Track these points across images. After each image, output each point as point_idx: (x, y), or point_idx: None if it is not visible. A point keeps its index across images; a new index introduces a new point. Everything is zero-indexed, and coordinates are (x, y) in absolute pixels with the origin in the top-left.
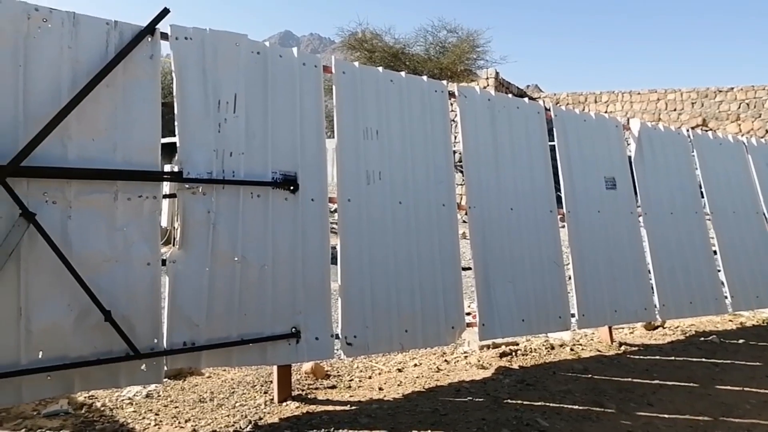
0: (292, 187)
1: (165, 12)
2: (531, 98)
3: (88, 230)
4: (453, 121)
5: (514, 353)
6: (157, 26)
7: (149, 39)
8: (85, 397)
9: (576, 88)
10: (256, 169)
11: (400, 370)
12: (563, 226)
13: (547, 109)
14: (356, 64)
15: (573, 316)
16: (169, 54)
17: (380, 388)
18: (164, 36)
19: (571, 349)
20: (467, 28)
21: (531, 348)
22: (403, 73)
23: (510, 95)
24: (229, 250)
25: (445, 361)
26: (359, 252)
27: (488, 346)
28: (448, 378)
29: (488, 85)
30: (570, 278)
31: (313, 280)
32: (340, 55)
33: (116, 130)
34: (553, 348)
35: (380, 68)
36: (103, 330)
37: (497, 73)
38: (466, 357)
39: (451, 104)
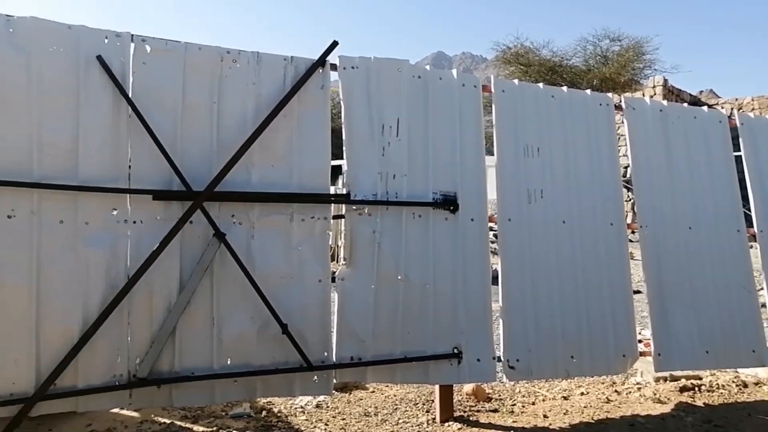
0: (452, 207)
1: (334, 45)
2: (707, 105)
3: (268, 249)
4: (620, 134)
5: (696, 388)
6: (327, 58)
7: (320, 70)
8: (264, 403)
9: (762, 91)
10: (417, 190)
11: (565, 398)
12: (753, 247)
13: (730, 117)
14: (515, 81)
15: None
16: (337, 81)
17: (545, 416)
18: (333, 66)
19: None
20: (633, 36)
21: (717, 384)
22: (564, 88)
23: (684, 104)
24: (393, 268)
25: (615, 391)
26: (521, 272)
27: (665, 379)
28: (619, 410)
29: (655, 94)
30: (765, 306)
31: (474, 300)
32: (494, 71)
33: (292, 156)
34: (745, 386)
35: (541, 84)
36: (280, 342)
37: (666, 81)
38: (639, 389)
39: (619, 116)
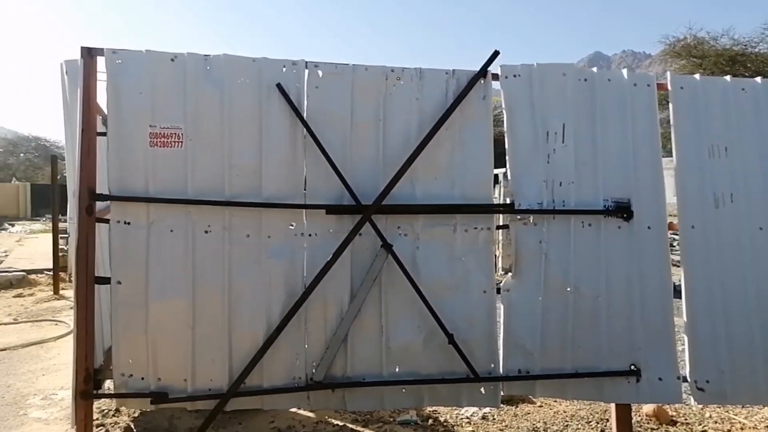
0: (625, 215)
1: (495, 54)
2: None
3: (433, 260)
4: None
5: None
6: (488, 68)
7: (482, 81)
8: (430, 411)
9: None
10: (586, 198)
11: None
12: None
13: None
14: (696, 76)
15: None
16: (498, 91)
17: None
18: (494, 76)
19: None
20: None
21: None
22: (758, 79)
23: None
24: (561, 279)
25: None
26: (708, 285)
27: None
28: None
29: None
30: None
31: (654, 314)
32: (660, 68)
33: (454, 167)
34: None
35: (728, 77)
36: (446, 352)
37: None
38: None
39: None
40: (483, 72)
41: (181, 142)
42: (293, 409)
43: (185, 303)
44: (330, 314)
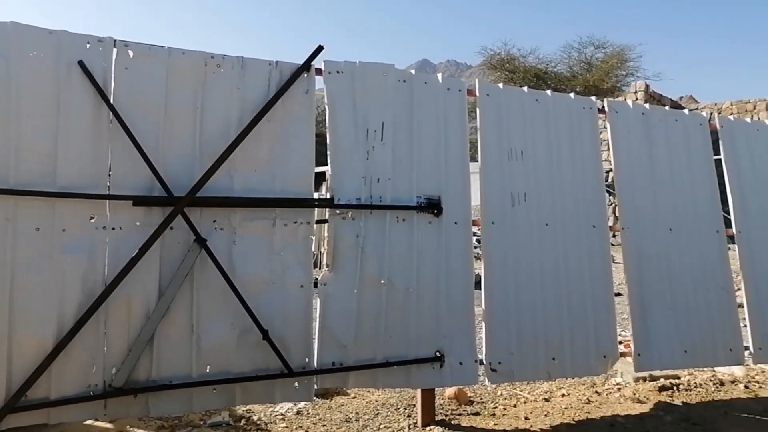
0: (435, 211)
1: (319, 49)
2: (688, 110)
3: (250, 254)
4: (603, 138)
5: (675, 387)
6: (312, 63)
7: (305, 75)
8: (243, 411)
9: (741, 97)
10: (401, 194)
11: (546, 400)
12: (732, 248)
13: (710, 120)
14: (500, 85)
15: (747, 349)
16: (322, 88)
17: (526, 418)
18: (318, 71)
19: (746, 387)
20: (617, 44)
21: (695, 383)
22: (548, 92)
23: (666, 108)
24: (376, 272)
25: (596, 392)
26: (504, 276)
27: (644, 379)
28: (599, 411)
29: (637, 99)
30: (742, 306)
31: (457, 303)
32: (480, 78)
33: (275, 161)
34: (722, 384)
35: (525, 88)
36: (261, 348)
37: (647, 86)
38: (619, 389)
39: (601, 121)
40: (306, 66)
41: None
42: (90, 421)
43: None
44: (135, 314)
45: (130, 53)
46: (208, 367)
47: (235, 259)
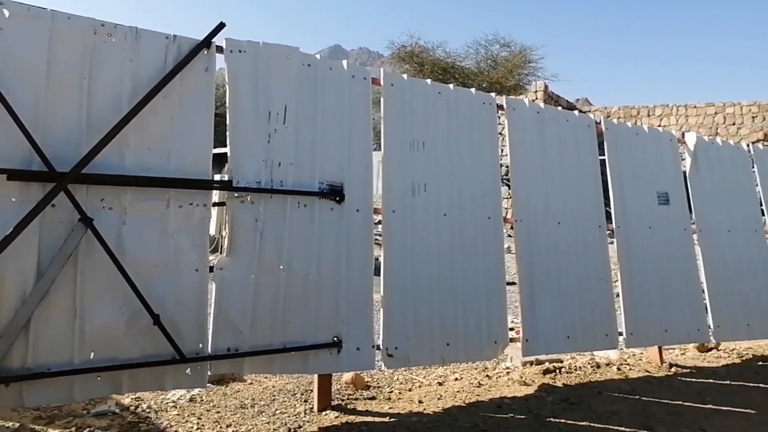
0: (338, 198)
1: (221, 26)
2: (581, 111)
3: (142, 236)
4: (501, 133)
5: (557, 371)
6: (212, 40)
7: (205, 52)
8: (131, 399)
9: (628, 102)
10: (303, 179)
11: (440, 384)
12: (612, 242)
13: (597, 123)
14: (404, 76)
15: (621, 334)
16: (223, 67)
17: (420, 401)
18: (219, 49)
19: (618, 369)
20: (521, 44)
21: (576, 366)
22: (451, 86)
23: (559, 108)
24: (275, 258)
25: (487, 376)
26: (402, 263)
27: (531, 363)
28: (489, 393)
29: (537, 98)
30: (618, 296)
31: (356, 290)
32: (390, 69)
33: (171, 139)
34: (599, 367)
35: (428, 80)
36: (151, 333)
37: (546, 87)
38: (508, 373)
39: (500, 117)
40: (207, 42)
41: None
42: None
43: None
44: (9, 297)
45: (6, 12)
46: (92, 353)
47: (125, 241)
